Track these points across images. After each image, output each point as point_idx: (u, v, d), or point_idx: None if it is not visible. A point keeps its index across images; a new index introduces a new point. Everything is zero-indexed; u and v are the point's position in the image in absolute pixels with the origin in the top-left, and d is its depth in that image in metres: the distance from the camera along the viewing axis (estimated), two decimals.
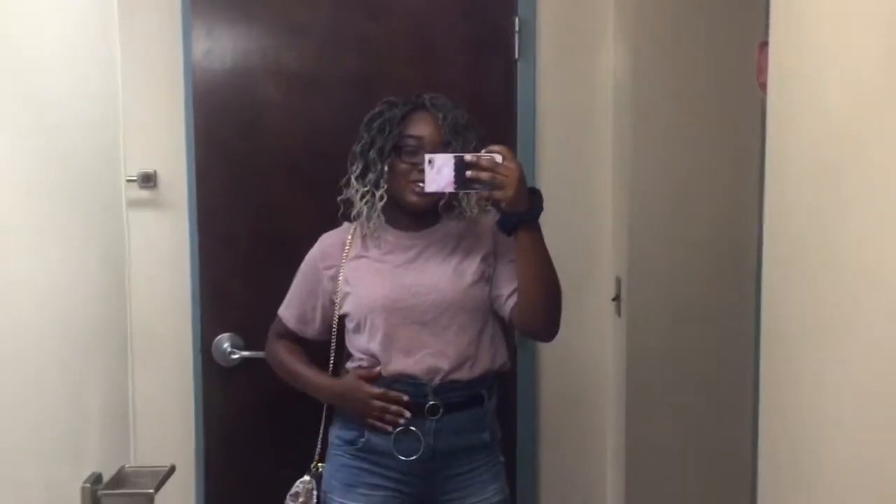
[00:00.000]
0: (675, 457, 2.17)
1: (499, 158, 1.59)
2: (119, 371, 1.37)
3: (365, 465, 1.73)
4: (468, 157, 1.59)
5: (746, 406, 2.07)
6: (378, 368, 1.73)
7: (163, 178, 2.26)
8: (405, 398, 1.71)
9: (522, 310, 1.72)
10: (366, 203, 1.76)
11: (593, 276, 2.36)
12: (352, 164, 1.79)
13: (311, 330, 1.85)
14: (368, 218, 1.77)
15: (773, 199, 1.32)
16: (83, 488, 1.08)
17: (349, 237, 1.81)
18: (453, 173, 1.59)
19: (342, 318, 1.79)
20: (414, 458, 1.70)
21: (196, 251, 2.21)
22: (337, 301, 1.78)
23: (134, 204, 2.23)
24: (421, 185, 1.67)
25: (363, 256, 1.79)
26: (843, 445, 1.10)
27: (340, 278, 1.78)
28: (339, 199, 1.83)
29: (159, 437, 2.17)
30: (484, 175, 1.58)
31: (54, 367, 1.09)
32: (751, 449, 1.91)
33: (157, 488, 1.12)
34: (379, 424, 1.71)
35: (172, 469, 1.17)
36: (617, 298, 2.30)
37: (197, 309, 2.22)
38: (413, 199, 1.73)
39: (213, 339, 2.20)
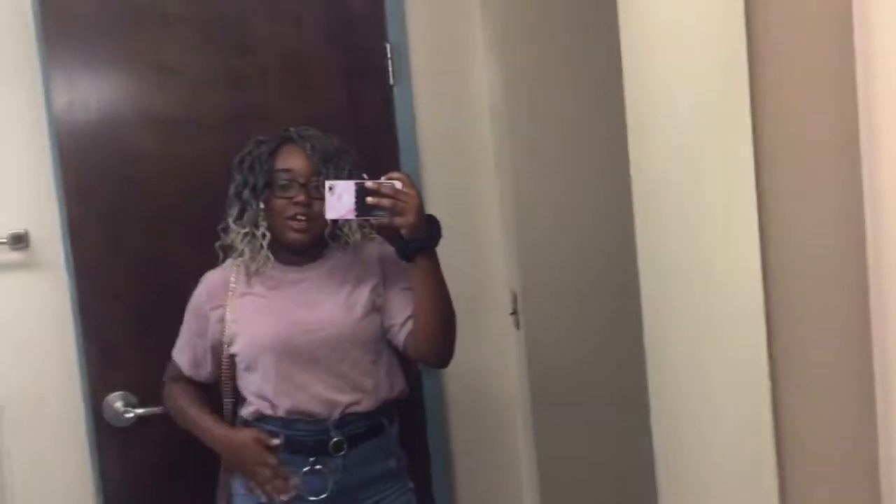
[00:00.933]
0: (586, 461, 2.20)
1: (399, 185, 1.59)
2: None
3: None
4: (369, 183, 1.58)
5: (645, 404, 2.12)
6: (277, 441, 1.69)
7: (35, 237, 2.15)
8: (296, 481, 1.68)
9: (418, 338, 1.70)
10: (247, 244, 1.73)
11: (490, 293, 2.37)
12: (230, 207, 1.76)
13: (205, 373, 1.80)
14: (253, 259, 1.74)
15: (640, 203, 1.36)
16: None
17: (233, 275, 1.77)
18: (354, 200, 1.58)
19: (232, 357, 1.75)
20: (324, 496, 1.67)
21: (77, 309, 2.11)
22: (225, 342, 1.74)
23: (6, 267, 2.12)
24: (299, 218, 1.68)
25: (249, 294, 1.75)
26: (720, 436, 1.13)
27: (228, 318, 1.74)
28: (216, 245, 1.79)
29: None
30: (385, 201, 1.57)
31: None
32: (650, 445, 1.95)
33: None
34: (266, 490, 1.68)
35: None
36: (515, 312, 2.32)
37: (84, 369, 2.12)
38: (294, 236, 1.71)
39: (103, 400, 2.10)
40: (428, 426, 2.30)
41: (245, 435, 1.71)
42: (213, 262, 1.82)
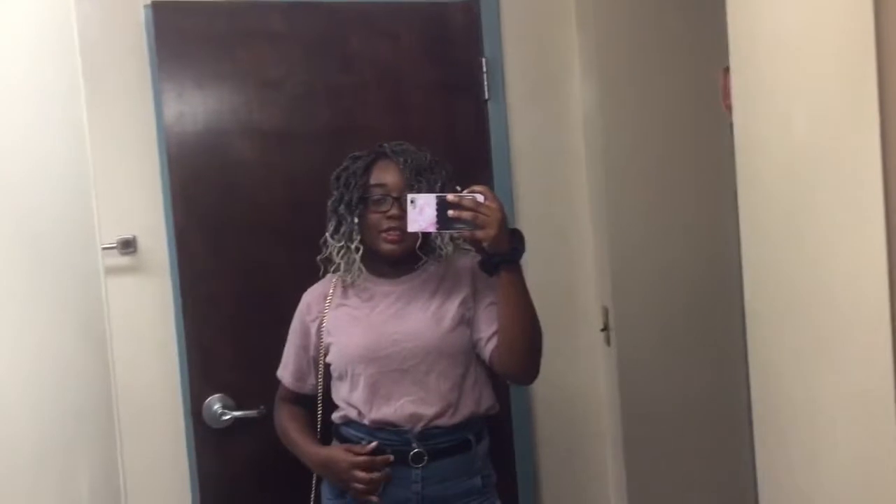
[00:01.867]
0: (677, 484, 2.15)
1: (480, 198, 1.59)
2: (108, 446, 1.36)
3: None
4: (450, 196, 1.59)
5: (744, 427, 2.06)
6: (369, 446, 1.70)
7: (142, 242, 2.25)
8: (391, 458, 1.69)
9: (503, 352, 1.70)
10: (342, 257, 1.78)
11: (580, 308, 2.36)
12: (328, 222, 1.81)
13: (309, 385, 1.85)
14: (348, 271, 1.78)
15: (748, 218, 1.34)
16: None
17: (331, 288, 1.82)
18: (435, 213, 1.59)
19: (327, 367, 1.79)
20: None
21: (181, 314, 2.19)
22: (322, 352, 1.79)
23: (114, 271, 2.22)
24: (393, 233, 1.71)
25: (344, 305, 1.80)
26: (836, 459, 1.10)
27: (324, 329, 1.79)
28: (318, 258, 1.83)
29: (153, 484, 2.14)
30: (466, 214, 1.57)
31: (38, 455, 1.07)
32: (752, 474, 1.90)
33: None
34: (361, 491, 1.69)
35: None
36: (605, 328, 2.29)
37: (185, 372, 2.20)
38: (387, 247, 1.75)
39: (203, 402, 2.17)
40: (515, 444, 2.30)
41: (333, 450, 1.75)
42: (309, 272, 1.87)
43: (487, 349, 1.73)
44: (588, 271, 2.36)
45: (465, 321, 1.76)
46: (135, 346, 2.22)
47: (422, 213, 1.60)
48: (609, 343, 2.27)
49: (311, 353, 1.82)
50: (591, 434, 2.36)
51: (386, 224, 1.73)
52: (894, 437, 0.94)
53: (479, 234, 1.58)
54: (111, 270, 2.22)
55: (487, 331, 1.74)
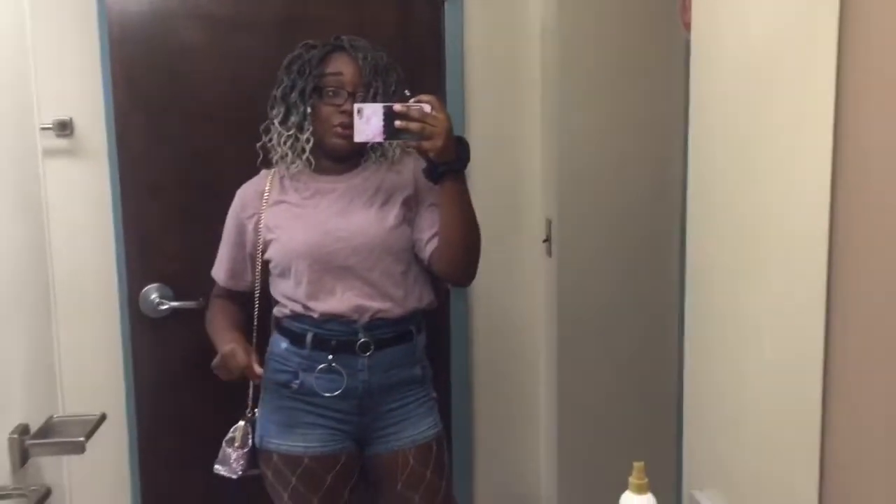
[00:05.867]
0: (606, 385, 2.24)
1: (427, 108, 1.58)
2: (42, 323, 1.33)
3: (301, 406, 1.74)
4: (397, 106, 1.58)
5: (674, 335, 2.15)
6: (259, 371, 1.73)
7: (80, 125, 2.17)
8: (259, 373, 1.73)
9: (442, 255, 1.74)
10: (290, 147, 1.75)
11: (524, 217, 2.39)
12: (272, 109, 1.78)
13: (245, 283, 1.84)
14: (293, 161, 1.76)
15: (697, 133, 1.35)
16: (10, 439, 1.05)
17: (267, 184, 1.80)
18: (382, 123, 1.58)
19: (265, 263, 1.79)
20: (338, 393, 1.72)
21: (119, 200, 2.15)
22: (259, 249, 1.78)
23: (50, 153, 2.14)
24: (344, 127, 1.69)
25: (283, 202, 1.78)
26: (761, 374, 1.15)
27: (262, 226, 1.77)
28: (258, 145, 1.80)
29: (88, 389, 2.13)
30: (413, 125, 1.58)
31: None
32: (676, 379, 1.99)
33: (88, 436, 1.10)
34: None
35: (103, 417, 1.14)
36: (548, 240, 2.33)
37: (122, 260, 2.17)
38: (336, 142, 1.73)
39: (140, 291, 2.15)
40: (452, 342, 2.35)
41: (238, 346, 1.73)
42: (251, 161, 1.83)
43: (427, 250, 1.76)
44: (534, 182, 2.37)
45: (408, 220, 1.77)
46: (70, 230, 2.16)
47: (368, 122, 1.59)
48: (550, 254, 2.31)
49: (248, 250, 1.81)
50: (527, 338, 2.42)
51: (338, 118, 1.71)
52: (820, 354, 0.98)
53: (426, 144, 1.59)
54: (47, 152, 2.14)
55: (428, 232, 1.76)
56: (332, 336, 1.72)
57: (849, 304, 0.95)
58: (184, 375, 2.19)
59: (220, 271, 1.85)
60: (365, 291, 1.72)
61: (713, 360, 1.31)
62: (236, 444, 1.77)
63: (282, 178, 1.79)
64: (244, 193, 1.82)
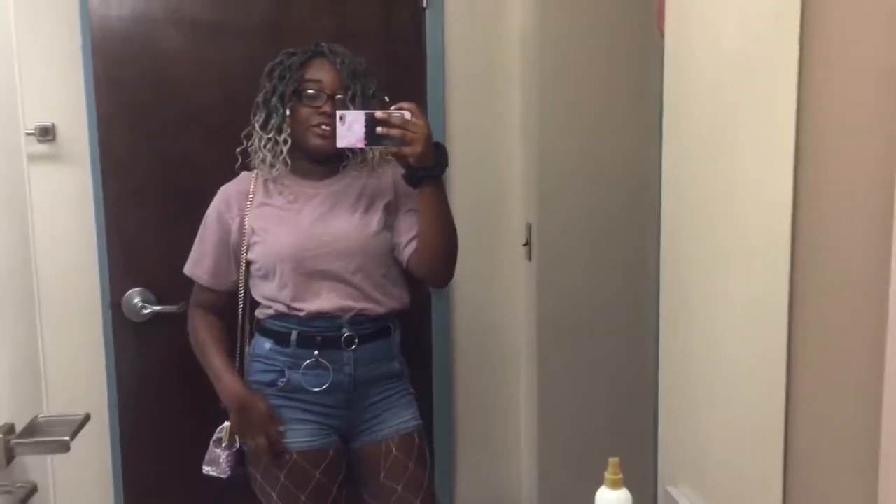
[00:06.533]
0: (584, 384, 2.27)
1: (408, 115, 1.63)
2: (27, 325, 1.35)
3: (286, 404, 1.77)
4: (379, 113, 1.63)
5: (650, 336, 2.18)
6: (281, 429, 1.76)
7: (62, 130, 2.18)
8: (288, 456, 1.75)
9: (421, 257, 1.79)
10: (269, 150, 1.78)
11: (504, 222, 2.42)
12: (254, 115, 1.81)
13: (229, 282, 1.85)
14: (272, 165, 1.79)
15: (671, 138, 1.39)
16: None
17: (251, 186, 1.82)
18: (364, 129, 1.63)
19: (248, 264, 1.81)
20: (325, 387, 1.76)
21: (101, 205, 2.16)
22: (244, 250, 1.80)
23: (32, 158, 2.15)
24: (324, 128, 1.74)
25: (267, 204, 1.81)
26: (729, 373, 1.19)
27: (247, 227, 1.79)
28: (237, 150, 1.83)
29: (72, 392, 2.15)
30: (394, 132, 1.63)
31: None
32: (653, 378, 2.02)
33: (73, 436, 1.11)
34: (260, 447, 1.74)
35: (87, 417, 1.16)
36: (528, 244, 2.36)
37: (105, 264, 2.18)
38: (316, 142, 1.76)
39: (122, 295, 2.16)
40: (434, 342, 2.38)
41: (258, 399, 1.76)
42: (234, 166, 1.85)
43: (405, 253, 1.82)
44: (515, 188, 2.41)
45: (388, 226, 1.83)
46: (53, 235, 2.17)
47: (350, 129, 1.64)
48: (530, 258, 2.35)
49: (232, 248, 1.82)
50: (507, 339, 2.46)
51: (317, 119, 1.75)
52: (784, 341, 1.02)
53: (406, 150, 1.65)
54: (29, 157, 2.14)
55: (406, 236, 1.82)
56: (317, 332, 1.76)
57: (810, 305, 0.99)
58: (167, 378, 2.20)
59: (200, 271, 1.84)
60: (348, 293, 1.77)
61: (686, 361, 1.35)
62: (224, 445, 1.80)
63: (265, 181, 1.82)
64: (227, 193, 1.84)
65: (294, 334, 1.76)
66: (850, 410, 0.92)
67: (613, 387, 2.27)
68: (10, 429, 1.10)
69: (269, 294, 1.79)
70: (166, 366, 2.20)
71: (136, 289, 2.16)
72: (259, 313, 1.82)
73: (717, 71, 1.20)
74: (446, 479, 2.42)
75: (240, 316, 1.86)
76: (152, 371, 2.21)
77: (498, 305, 2.46)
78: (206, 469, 1.80)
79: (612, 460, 1.29)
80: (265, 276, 1.79)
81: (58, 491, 1.51)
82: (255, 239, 1.79)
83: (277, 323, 1.78)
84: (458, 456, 2.46)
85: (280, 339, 1.78)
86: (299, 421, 1.76)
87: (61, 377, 2.10)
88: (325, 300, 1.75)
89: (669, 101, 1.39)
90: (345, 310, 1.76)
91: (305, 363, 1.75)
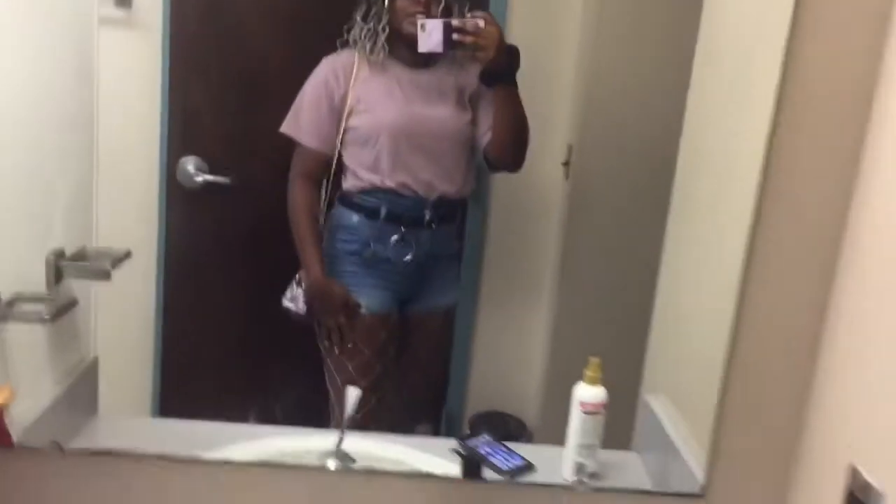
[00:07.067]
0: (603, 302, 2.35)
1: (482, 24, 1.86)
2: (87, 169, 1.49)
3: (365, 271, 2.05)
4: (455, 22, 1.86)
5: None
6: (362, 309, 2.06)
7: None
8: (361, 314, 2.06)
9: (496, 146, 2.05)
10: (369, 39, 1.99)
11: (549, 138, 2.47)
12: (356, 8, 2.00)
13: (331, 146, 2.04)
14: (372, 50, 1.99)
15: (695, 85, 1.44)
16: (48, 258, 1.21)
17: (356, 61, 2.02)
18: (442, 36, 1.85)
19: (347, 130, 2.01)
20: (409, 258, 2.04)
21: (167, 75, 2.28)
22: (345, 115, 2.00)
23: (109, 22, 2.27)
24: (419, 17, 1.93)
25: (373, 79, 2.01)
26: (698, 302, 1.28)
27: (352, 95, 2.00)
28: (338, 41, 2.01)
29: (121, 230, 2.28)
30: (468, 39, 1.87)
31: (28, 146, 1.20)
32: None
33: (114, 266, 1.26)
34: (330, 329, 2.06)
35: (129, 253, 1.30)
36: (567, 164, 2.43)
37: (165, 130, 2.31)
38: (411, 30, 1.94)
39: (177, 161, 2.30)
40: (466, 239, 2.48)
41: (340, 290, 2.06)
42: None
43: (483, 140, 2.06)
44: (564, 106, 2.44)
45: (473, 115, 2.07)
46: (118, 96, 2.28)
47: (430, 36, 1.87)
48: (567, 177, 2.41)
49: (335, 112, 2.01)
50: (537, 254, 2.53)
51: (413, 9, 1.95)
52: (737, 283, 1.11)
53: (480, 55, 1.91)
54: (104, 21, 2.27)
55: (485, 126, 2.05)
56: (404, 211, 2.02)
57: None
58: (215, 249, 2.34)
59: (308, 134, 2.05)
60: (437, 173, 2.02)
61: (680, 283, 1.44)
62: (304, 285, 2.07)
63: (368, 61, 2.02)
64: (334, 63, 2.03)
65: (384, 209, 2.00)
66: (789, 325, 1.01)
67: (629, 310, 2.34)
68: (61, 253, 1.25)
69: (364, 161, 2.00)
70: (217, 236, 2.34)
71: (191, 157, 2.30)
72: (350, 185, 2.03)
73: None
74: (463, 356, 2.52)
75: (329, 182, 2.09)
76: (203, 240, 2.35)
77: (533, 218, 2.53)
78: (286, 304, 2.09)
79: (593, 360, 1.40)
80: (364, 144, 2.00)
81: (99, 315, 1.64)
82: (361, 107, 1.99)
83: (368, 198, 2.02)
84: (477, 336, 2.57)
85: (369, 213, 2.03)
86: (374, 286, 2.06)
87: (113, 235, 2.25)
88: (415, 178, 1.99)
89: (701, 48, 1.43)
90: (430, 189, 2.01)
91: (393, 237, 2.01)
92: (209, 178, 2.29)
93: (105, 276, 1.24)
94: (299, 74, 2.19)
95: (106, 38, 2.26)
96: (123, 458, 1.44)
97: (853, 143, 1.09)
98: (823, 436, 1.16)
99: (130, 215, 2.38)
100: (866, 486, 1.05)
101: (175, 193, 2.32)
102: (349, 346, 2.04)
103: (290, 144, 2.20)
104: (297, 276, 2.09)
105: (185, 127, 2.29)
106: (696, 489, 1.36)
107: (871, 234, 1.06)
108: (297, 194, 2.09)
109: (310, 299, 2.07)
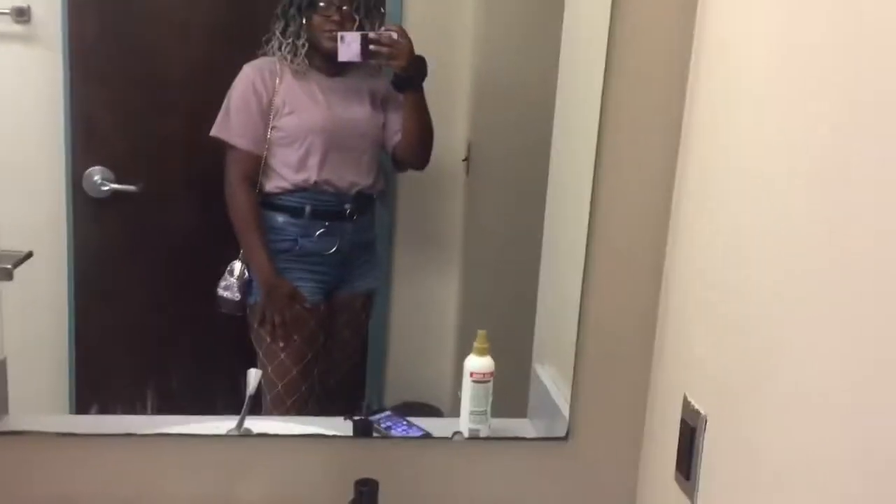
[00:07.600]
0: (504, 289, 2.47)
1: (395, 36, 2.10)
2: None
3: (298, 265, 2.23)
4: (371, 34, 2.09)
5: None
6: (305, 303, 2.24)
7: (37, 13, 2.31)
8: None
9: (405, 147, 2.26)
10: (289, 52, 2.17)
11: (450, 137, 2.58)
12: (275, 24, 2.17)
13: (262, 148, 2.19)
14: (293, 61, 2.17)
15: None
16: None
17: (277, 66, 2.19)
18: (360, 47, 2.08)
19: (273, 131, 2.17)
20: (334, 250, 2.23)
21: (69, 87, 2.30)
22: (271, 118, 2.17)
23: (7, 38, 2.29)
24: (334, 33, 2.12)
25: (296, 83, 2.19)
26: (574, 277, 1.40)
27: (277, 98, 2.17)
28: (258, 52, 2.17)
29: (33, 238, 2.27)
30: (384, 49, 2.09)
31: None
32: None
33: (15, 266, 1.31)
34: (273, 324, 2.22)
35: (30, 254, 1.35)
36: (466, 159, 2.55)
37: (68, 142, 2.34)
38: (329, 45, 2.14)
39: (83, 172, 2.33)
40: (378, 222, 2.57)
41: (290, 286, 2.24)
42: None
43: (393, 140, 2.26)
44: (462, 104, 2.56)
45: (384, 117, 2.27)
46: (20, 113, 2.32)
47: (349, 46, 2.10)
48: (467, 173, 2.53)
49: (267, 115, 2.16)
50: (444, 248, 2.63)
51: (328, 26, 2.14)
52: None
53: (393, 63, 2.14)
54: (2, 36, 2.29)
55: (393, 127, 2.26)
56: (327, 206, 2.21)
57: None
58: (122, 257, 2.38)
59: (240, 136, 2.19)
60: (356, 170, 2.23)
61: (559, 259, 1.56)
62: (236, 275, 2.21)
63: (290, 68, 2.18)
64: (259, 68, 2.18)
65: (308, 208, 2.20)
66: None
67: (524, 287, 2.47)
68: None
69: (292, 161, 2.16)
70: (124, 244, 2.38)
71: (97, 167, 2.33)
72: (273, 187, 2.19)
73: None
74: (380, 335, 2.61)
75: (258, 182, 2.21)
76: (111, 249, 2.38)
77: (437, 215, 2.63)
78: (221, 292, 2.22)
79: (480, 332, 1.51)
80: (290, 144, 2.17)
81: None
82: (286, 109, 2.17)
83: (290, 198, 2.19)
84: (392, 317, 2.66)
85: (294, 212, 2.20)
86: (304, 280, 2.24)
87: (23, 235, 2.25)
88: (338, 175, 2.18)
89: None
90: (352, 185, 2.21)
91: (318, 232, 2.20)
92: (116, 186, 2.33)
93: (7, 276, 1.29)
94: (203, 81, 2.27)
95: (5, 54, 2.29)
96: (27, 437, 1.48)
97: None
98: (666, 374, 1.38)
99: (40, 223, 2.39)
100: (694, 412, 1.26)
101: (82, 203, 2.35)
102: (289, 336, 2.22)
103: (197, 151, 2.28)
104: (229, 266, 2.23)
105: (89, 138, 2.32)
106: (562, 434, 1.54)
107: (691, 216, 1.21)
108: (240, 198, 2.22)
109: (264, 297, 2.22)
